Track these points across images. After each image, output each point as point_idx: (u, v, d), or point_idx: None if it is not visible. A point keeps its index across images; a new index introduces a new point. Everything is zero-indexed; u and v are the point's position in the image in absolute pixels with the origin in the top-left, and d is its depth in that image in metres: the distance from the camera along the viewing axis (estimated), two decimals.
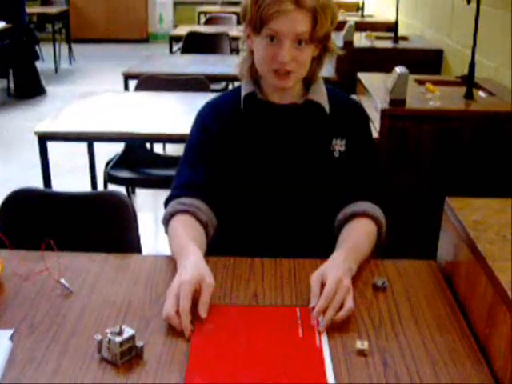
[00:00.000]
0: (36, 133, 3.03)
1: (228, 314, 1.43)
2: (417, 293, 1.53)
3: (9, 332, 1.34)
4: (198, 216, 1.67)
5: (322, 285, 1.42)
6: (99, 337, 1.26)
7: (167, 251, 1.70)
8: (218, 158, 1.77)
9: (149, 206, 4.31)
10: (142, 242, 1.99)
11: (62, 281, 1.52)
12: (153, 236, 3.90)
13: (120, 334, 1.24)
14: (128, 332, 1.25)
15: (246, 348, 1.30)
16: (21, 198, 1.98)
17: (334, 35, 1.74)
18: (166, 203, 1.74)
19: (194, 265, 1.45)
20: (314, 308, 1.38)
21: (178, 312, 1.34)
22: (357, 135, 1.81)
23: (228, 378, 1.21)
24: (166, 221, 1.69)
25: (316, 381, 1.21)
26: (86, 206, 2.01)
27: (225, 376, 1.21)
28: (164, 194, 1.81)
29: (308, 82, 1.78)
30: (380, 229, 1.72)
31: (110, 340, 1.23)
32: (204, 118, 1.83)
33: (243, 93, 1.78)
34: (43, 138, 3.05)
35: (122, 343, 1.23)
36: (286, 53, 1.62)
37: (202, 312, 1.37)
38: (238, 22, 7.15)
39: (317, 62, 1.75)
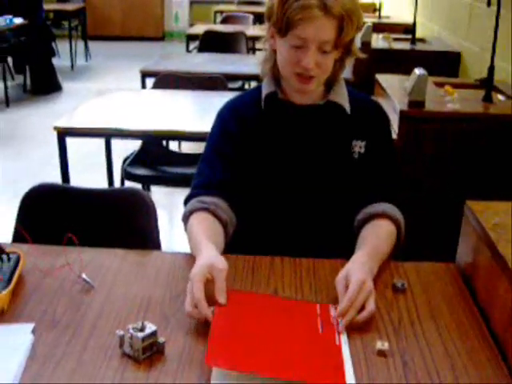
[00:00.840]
0: (55, 128, 3.05)
1: (249, 300, 1.44)
2: (436, 294, 1.53)
3: (30, 326, 1.35)
4: (217, 214, 1.67)
5: (347, 287, 1.42)
6: (121, 332, 1.27)
7: (183, 249, 1.71)
8: (238, 158, 1.77)
9: (164, 203, 4.32)
10: None
11: (84, 276, 1.53)
12: (168, 234, 3.91)
13: (142, 329, 1.25)
14: (150, 328, 1.25)
15: (265, 337, 1.31)
16: (41, 193, 1.99)
17: None
18: (186, 201, 1.75)
19: (203, 257, 1.45)
20: None
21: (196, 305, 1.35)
22: (377, 137, 1.80)
23: (247, 365, 1.21)
24: (186, 218, 1.69)
25: (335, 379, 1.21)
26: (106, 202, 2.02)
27: (243, 363, 1.21)
28: (179, 191, 1.81)
29: (329, 83, 1.78)
30: (399, 230, 1.72)
31: (132, 336, 1.24)
32: (224, 118, 1.83)
33: (264, 92, 1.78)
34: (62, 134, 3.07)
35: (144, 339, 1.23)
36: (311, 59, 1.62)
37: (221, 298, 1.37)
38: (255, 22, 7.16)
39: (339, 64, 1.75)
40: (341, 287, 1.44)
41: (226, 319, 1.33)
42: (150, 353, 1.25)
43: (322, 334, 1.34)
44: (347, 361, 1.26)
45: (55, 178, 3.16)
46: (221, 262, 1.43)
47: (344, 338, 1.33)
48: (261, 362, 1.22)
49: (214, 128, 1.84)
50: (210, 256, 1.45)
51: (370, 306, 1.38)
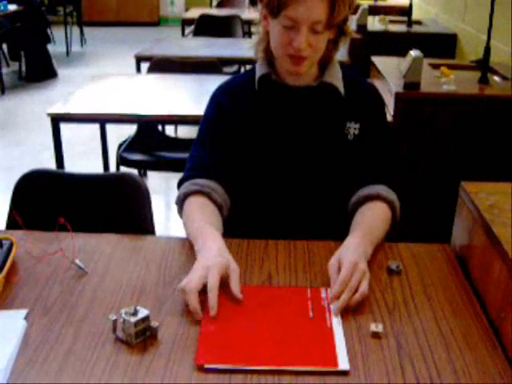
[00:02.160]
0: (49, 114, 3.04)
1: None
2: (431, 276, 1.53)
3: (23, 312, 1.34)
4: (212, 197, 1.66)
5: (339, 270, 1.42)
6: (114, 317, 1.26)
7: (178, 234, 1.70)
8: (232, 140, 1.76)
9: (160, 188, 4.32)
10: None
11: (77, 261, 1.52)
12: (164, 219, 3.91)
13: (135, 314, 1.24)
14: (143, 312, 1.25)
15: (255, 328, 1.30)
16: (34, 179, 1.98)
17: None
18: (180, 184, 1.74)
19: (218, 251, 1.45)
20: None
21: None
22: (371, 118, 1.79)
23: (238, 359, 1.21)
24: (181, 201, 1.69)
25: (327, 363, 1.21)
26: (100, 187, 2.01)
27: (234, 357, 1.21)
28: (175, 176, 1.80)
29: (323, 64, 1.77)
30: (394, 212, 1.71)
31: (124, 320, 1.23)
32: (218, 100, 1.81)
33: (258, 74, 1.77)
34: (56, 119, 3.05)
35: (136, 323, 1.23)
36: (303, 39, 1.60)
37: (238, 293, 1.38)
38: (251, 5, 7.12)
39: (332, 44, 1.73)
40: (333, 271, 1.43)
41: (215, 317, 1.32)
42: (143, 337, 1.25)
43: (312, 318, 1.34)
44: (341, 343, 1.26)
45: (50, 164, 3.14)
46: (234, 262, 1.43)
47: (338, 321, 1.33)
48: (252, 354, 1.22)
49: (207, 109, 1.83)
50: (224, 253, 1.45)
51: (363, 287, 1.37)
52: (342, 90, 1.76)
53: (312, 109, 1.77)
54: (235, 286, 1.38)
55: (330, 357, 1.22)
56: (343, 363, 1.20)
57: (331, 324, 1.32)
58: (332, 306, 1.36)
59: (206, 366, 1.19)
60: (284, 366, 1.19)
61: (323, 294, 1.42)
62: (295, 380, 1.16)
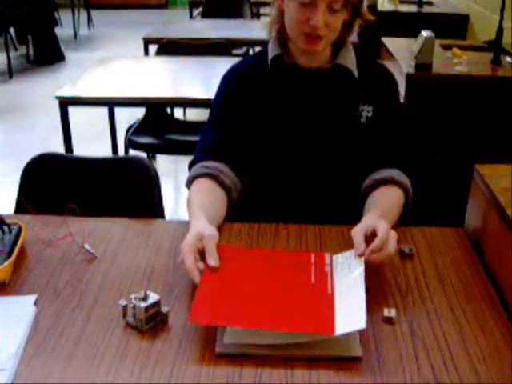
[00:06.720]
0: (57, 97, 3.02)
1: (240, 255, 1.42)
2: (444, 260, 1.51)
3: (33, 297, 1.34)
4: (220, 180, 1.64)
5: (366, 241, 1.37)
6: (124, 302, 1.25)
7: (188, 217, 1.68)
8: (243, 121, 1.73)
9: (169, 171, 4.30)
10: None
11: (86, 246, 1.51)
12: (173, 202, 3.90)
13: (145, 299, 1.23)
14: (153, 298, 1.24)
15: (253, 290, 1.29)
16: (43, 162, 1.97)
17: None
18: (190, 166, 1.72)
19: (192, 229, 1.40)
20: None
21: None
22: (385, 101, 1.76)
23: (231, 320, 1.20)
24: (189, 184, 1.67)
25: (324, 328, 1.19)
26: (109, 170, 2.00)
27: (228, 318, 1.20)
28: (184, 159, 1.79)
29: (337, 46, 1.74)
30: (407, 196, 1.69)
31: (135, 306, 1.22)
32: (230, 81, 1.79)
33: (270, 55, 1.74)
34: (64, 103, 3.04)
35: (147, 309, 1.22)
36: (320, 18, 1.57)
37: (212, 261, 1.32)
38: None
39: (347, 26, 1.70)
40: (358, 236, 1.38)
41: (214, 276, 1.30)
42: (154, 323, 1.24)
43: (314, 283, 1.32)
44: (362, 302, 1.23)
45: (59, 148, 3.13)
46: (209, 230, 1.39)
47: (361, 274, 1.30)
48: (246, 315, 1.21)
49: (218, 91, 1.81)
50: (198, 226, 1.41)
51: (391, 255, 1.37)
52: (355, 72, 1.73)
53: (325, 91, 1.74)
54: (208, 254, 1.34)
55: (327, 323, 1.20)
56: (356, 349, 1.18)
57: (333, 289, 1.30)
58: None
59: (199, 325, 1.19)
60: (278, 329, 1.18)
61: (327, 260, 1.40)
62: (308, 368, 1.15)
